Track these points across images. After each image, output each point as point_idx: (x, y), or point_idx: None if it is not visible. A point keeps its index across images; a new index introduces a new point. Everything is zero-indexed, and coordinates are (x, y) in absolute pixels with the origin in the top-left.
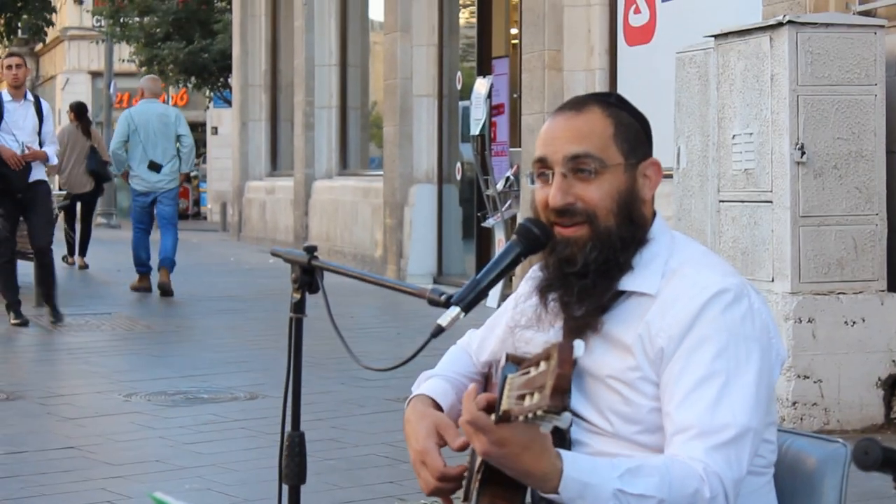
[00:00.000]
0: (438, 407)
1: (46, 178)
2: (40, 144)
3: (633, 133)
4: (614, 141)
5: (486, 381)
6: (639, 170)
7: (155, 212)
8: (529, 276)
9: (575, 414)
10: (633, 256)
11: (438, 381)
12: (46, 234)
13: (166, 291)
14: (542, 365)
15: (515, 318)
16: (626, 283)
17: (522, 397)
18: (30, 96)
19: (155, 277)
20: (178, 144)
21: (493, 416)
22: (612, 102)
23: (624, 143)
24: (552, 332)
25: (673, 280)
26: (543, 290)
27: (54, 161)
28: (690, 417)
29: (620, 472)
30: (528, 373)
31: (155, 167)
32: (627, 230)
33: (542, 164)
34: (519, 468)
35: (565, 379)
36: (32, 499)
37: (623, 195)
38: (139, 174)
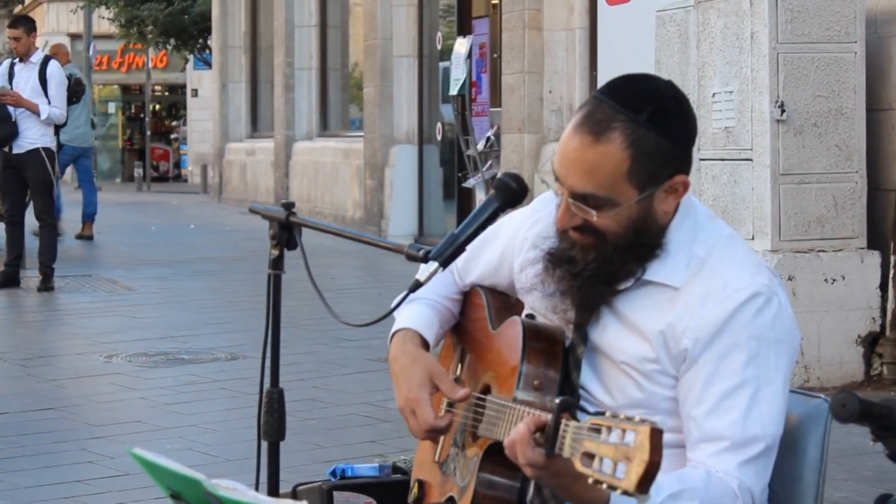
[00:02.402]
0: (426, 343)
1: (45, 145)
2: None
3: (658, 159)
4: (628, 177)
5: (464, 298)
6: (658, 192)
7: (77, 167)
8: (534, 243)
9: (582, 388)
10: (643, 262)
11: (422, 307)
12: (37, 203)
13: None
14: (624, 435)
15: (521, 281)
16: (650, 275)
17: (591, 456)
18: (35, 58)
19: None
20: None
21: (538, 442)
22: (641, 122)
23: (641, 176)
24: (558, 296)
25: (700, 274)
26: (548, 264)
27: (44, 116)
28: (721, 428)
29: (662, 499)
30: (598, 430)
31: (93, 124)
32: (637, 246)
33: (558, 181)
34: (567, 492)
35: (655, 468)
36: (14, 459)
37: (635, 222)
38: (84, 130)
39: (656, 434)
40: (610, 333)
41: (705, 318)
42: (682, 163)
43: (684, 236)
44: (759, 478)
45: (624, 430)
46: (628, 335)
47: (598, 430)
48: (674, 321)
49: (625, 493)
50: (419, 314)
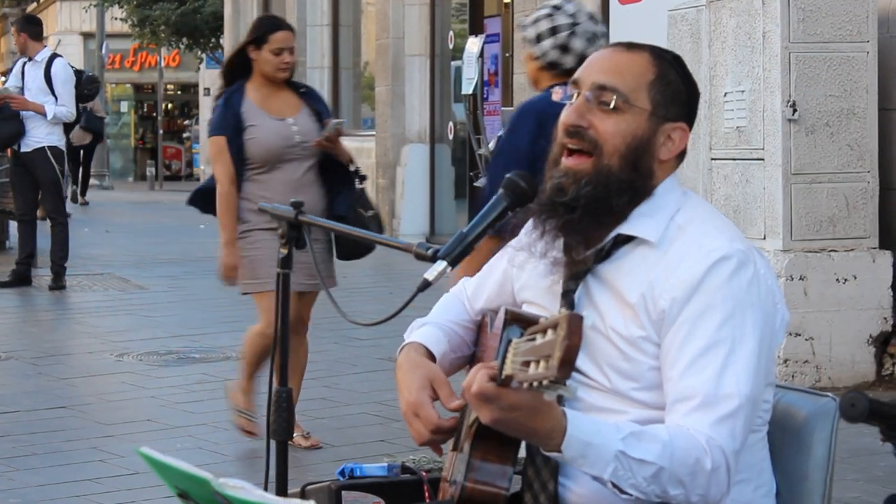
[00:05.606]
0: (431, 355)
1: (52, 144)
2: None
3: (673, 92)
4: (649, 88)
5: (478, 328)
6: (664, 127)
7: None
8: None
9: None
10: (631, 205)
11: (431, 328)
12: (48, 202)
13: None
14: (550, 333)
15: (515, 245)
16: (627, 227)
17: (527, 364)
18: (40, 57)
19: None
20: None
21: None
22: (666, 58)
23: (657, 95)
24: (545, 264)
25: (679, 238)
26: (538, 218)
27: (50, 116)
28: (694, 386)
29: (624, 435)
30: (533, 339)
31: None
32: (628, 175)
33: (575, 85)
34: (526, 429)
35: (574, 350)
36: (24, 458)
37: (636, 141)
38: None
39: (575, 318)
40: (599, 303)
41: (680, 279)
42: (688, 114)
43: (670, 203)
44: (733, 437)
45: (549, 329)
46: (615, 303)
47: (532, 339)
48: (653, 281)
49: (551, 382)
50: (425, 332)
